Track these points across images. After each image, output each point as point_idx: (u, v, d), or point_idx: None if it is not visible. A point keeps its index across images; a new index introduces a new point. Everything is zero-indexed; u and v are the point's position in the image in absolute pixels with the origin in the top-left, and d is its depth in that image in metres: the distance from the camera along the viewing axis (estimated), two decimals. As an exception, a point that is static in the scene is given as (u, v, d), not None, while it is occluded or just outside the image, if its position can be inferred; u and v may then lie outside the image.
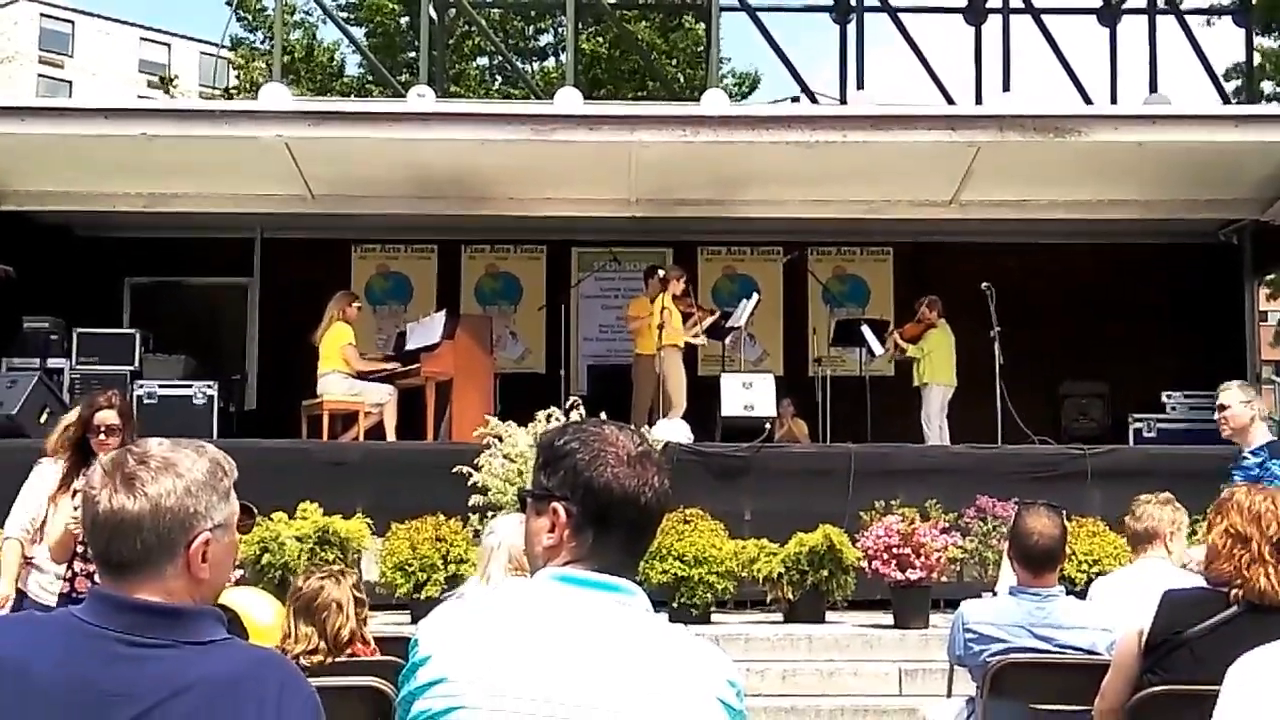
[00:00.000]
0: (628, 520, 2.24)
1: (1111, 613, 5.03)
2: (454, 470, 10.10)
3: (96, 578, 2.22)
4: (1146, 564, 5.96)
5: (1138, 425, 13.61)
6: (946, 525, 10.02)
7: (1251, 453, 7.11)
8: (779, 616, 9.95)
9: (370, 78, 27.67)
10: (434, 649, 2.18)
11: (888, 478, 10.81)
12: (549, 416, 10.00)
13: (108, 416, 5.94)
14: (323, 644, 4.71)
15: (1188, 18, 16.96)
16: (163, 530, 2.13)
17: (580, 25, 22.65)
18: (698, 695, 2.15)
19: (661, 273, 13.06)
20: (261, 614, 5.47)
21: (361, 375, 12.22)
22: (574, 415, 9.49)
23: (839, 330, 14.20)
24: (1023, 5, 16.79)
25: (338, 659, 4.72)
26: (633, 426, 2.38)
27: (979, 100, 16.09)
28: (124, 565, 2.13)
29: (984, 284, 12.69)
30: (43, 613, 2.25)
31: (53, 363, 12.97)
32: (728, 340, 13.65)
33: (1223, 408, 7.24)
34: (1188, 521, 6.01)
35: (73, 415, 6.39)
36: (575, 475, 2.24)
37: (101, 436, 5.87)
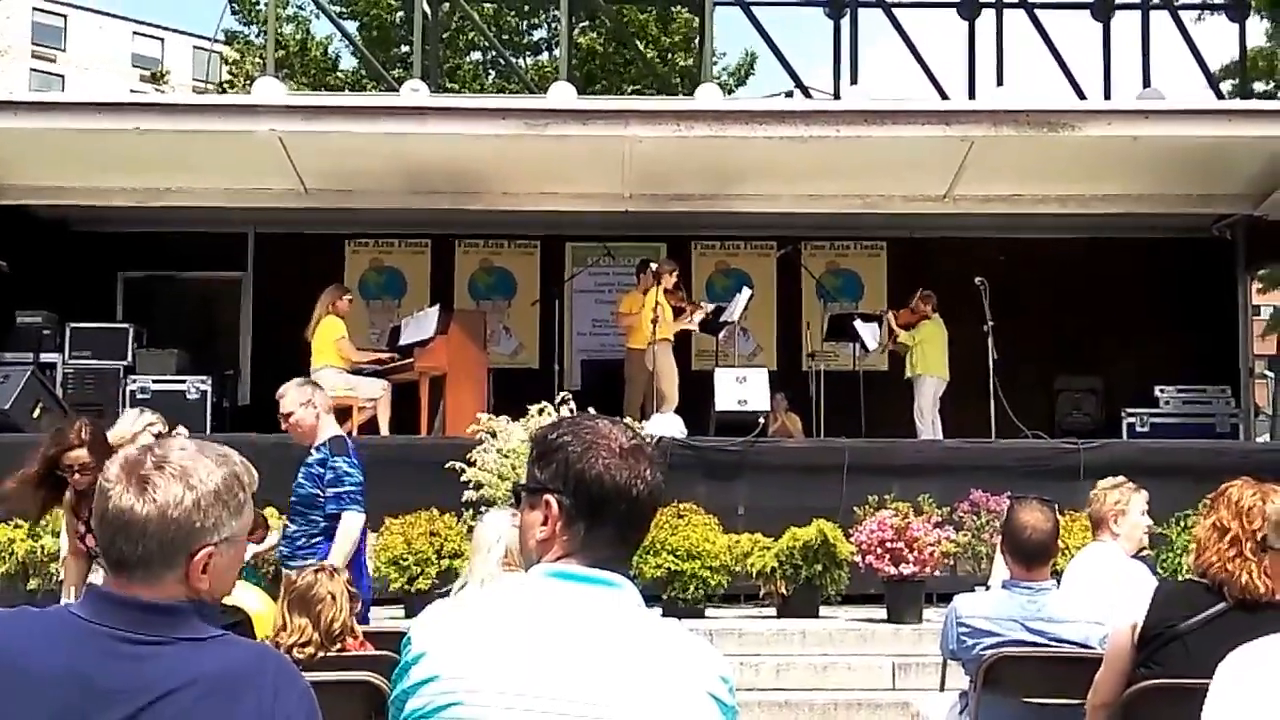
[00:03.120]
0: (619, 513, 2.24)
1: (1093, 605, 5.06)
2: (447, 465, 10.11)
3: None
4: (1093, 550, 6.03)
5: (1131, 420, 13.65)
6: (940, 520, 10.05)
7: (315, 449, 6.67)
8: (772, 611, 9.97)
9: (365, 72, 27.61)
10: (427, 647, 2.18)
11: (881, 472, 10.83)
12: (541, 411, 10.01)
13: (80, 456, 5.56)
14: (315, 636, 4.74)
15: (1181, 13, 16.97)
16: (166, 539, 2.13)
17: (575, 20, 22.64)
18: (689, 690, 2.16)
19: (653, 266, 13.06)
20: (250, 602, 5.48)
21: (356, 368, 12.22)
22: (564, 410, 9.50)
23: (832, 325, 14.22)
24: (1016, 0, 16.79)
25: (328, 652, 4.74)
26: (626, 420, 2.39)
27: (973, 95, 16.09)
28: (124, 563, 2.14)
29: (977, 279, 12.71)
30: (38, 609, 2.25)
31: (46, 357, 12.95)
32: (721, 335, 13.64)
33: (286, 417, 6.69)
34: (1141, 498, 6.00)
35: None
36: (567, 468, 2.25)
37: (77, 476, 5.50)
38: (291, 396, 6.69)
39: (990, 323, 12.60)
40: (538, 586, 2.23)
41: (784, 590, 9.81)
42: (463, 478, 9.99)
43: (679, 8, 25.11)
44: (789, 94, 18.67)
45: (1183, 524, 9.48)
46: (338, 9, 26.70)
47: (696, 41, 25.84)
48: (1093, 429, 13.42)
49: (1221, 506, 4.11)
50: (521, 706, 2.10)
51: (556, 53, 26.64)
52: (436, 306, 12.92)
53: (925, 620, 9.50)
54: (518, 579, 2.32)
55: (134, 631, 2.09)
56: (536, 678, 2.11)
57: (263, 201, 13.42)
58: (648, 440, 2.35)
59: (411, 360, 12.32)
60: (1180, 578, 7.96)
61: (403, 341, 12.68)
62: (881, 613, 9.79)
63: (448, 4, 19.67)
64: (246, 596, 5.49)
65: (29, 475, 5.70)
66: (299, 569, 5.12)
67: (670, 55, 27.20)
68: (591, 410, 4.27)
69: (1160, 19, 16.41)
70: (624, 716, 2.10)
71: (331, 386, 11.94)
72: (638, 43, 25.55)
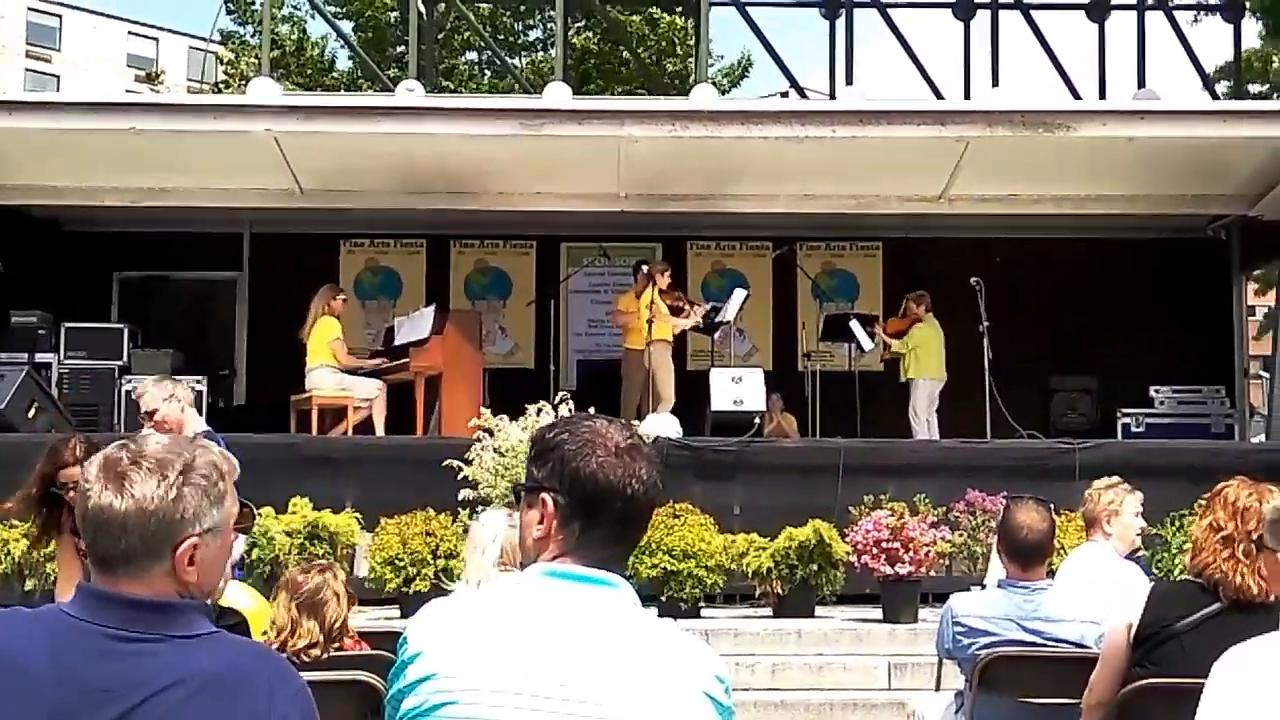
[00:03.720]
0: (615, 512, 2.25)
1: (1088, 604, 5.06)
2: (443, 465, 10.10)
3: None
4: (1085, 550, 6.05)
5: (1126, 420, 13.66)
6: (935, 520, 10.04)
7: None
8: (768, 611, 9.96)
9: (360, 72, 27.61)
10: (423, 646, 2.19)
11: (877, 472, 10.83)
12: (539, 410, 10.01)
13: (75, 473, 5.08)
14: (321, 638, 4.74)
15: (1176, 14, 16.98)
16: (148, 533, 2.12)
17: (570, 20, 22.62)
18: (685, 690, 2.16)
19: (646, 267, 13.07)
20: (242, 600, 5.46)
21: (351, 370, 12.22)
22: (563, 410, 9.50)
23: (828, 325, 14.22)
24: (1012, 1, 16.80)
25: (328, 653, 4.74)
26: (623, 420, 2.39)
27: (968, 95, 16.08)
28: (109, 561, 2.13)
29: (973, 279, 12.71)
30: (30, 610, 2.25)
31: (41, 357, 12.93)
32: (717, 335, 13.65)
33: (150, 415, 6.47)
34: (1135, 500, 6.01)
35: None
36: (563, 466, 2.25)
37: (72, 494, 5.35)
38: (152, 394, 6.53)
39: (985, 323, 12.59)
40: (534, 586, 2.23)
41: (780, 590, 9.81)
42: (459, 477, 9.99)
43: (663, 13, 25.15)
44: (784, 94, 18.67)
45: (1178, 524, 9.48)
46: (333, 9, 26.71)
47: (683, 45, 25.92)
48: (1088, 429, 13.44)
49: (1218, 507, 4.12)
50: (516, 705, 2.10)
51: (552, 53, 26.63)
52: (432, 306, 12.91)
53: (921, 620, 9.50)
54: (514, 578, 2.32)
55: (126, 629, 2.09)
56: (532, 677, 2.12)
57: (258, 201, 13.42)
58: (645, 439, 2.35)
59: (407, 360, 12.32)
60: (1175, 578, 7.97)
61: (398, 341, 12.68)
62: (877, 613, 9.79)
63: (443, 4, 19.65)
64: (238, 596, 5.47)
65: (27, 495, 5.63)
66: (302, 568, 5.10)
67: (660, 60, 27.17)
68: (592, 410, 4.24)
69: (1155, 20, 16.42)
70: (620, 716, 2.10)
71: (327, 386, 12.00)
72: (630, 43, 25.55)
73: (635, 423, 10.24)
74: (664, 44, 27.34)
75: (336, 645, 4.80)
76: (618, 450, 2.26)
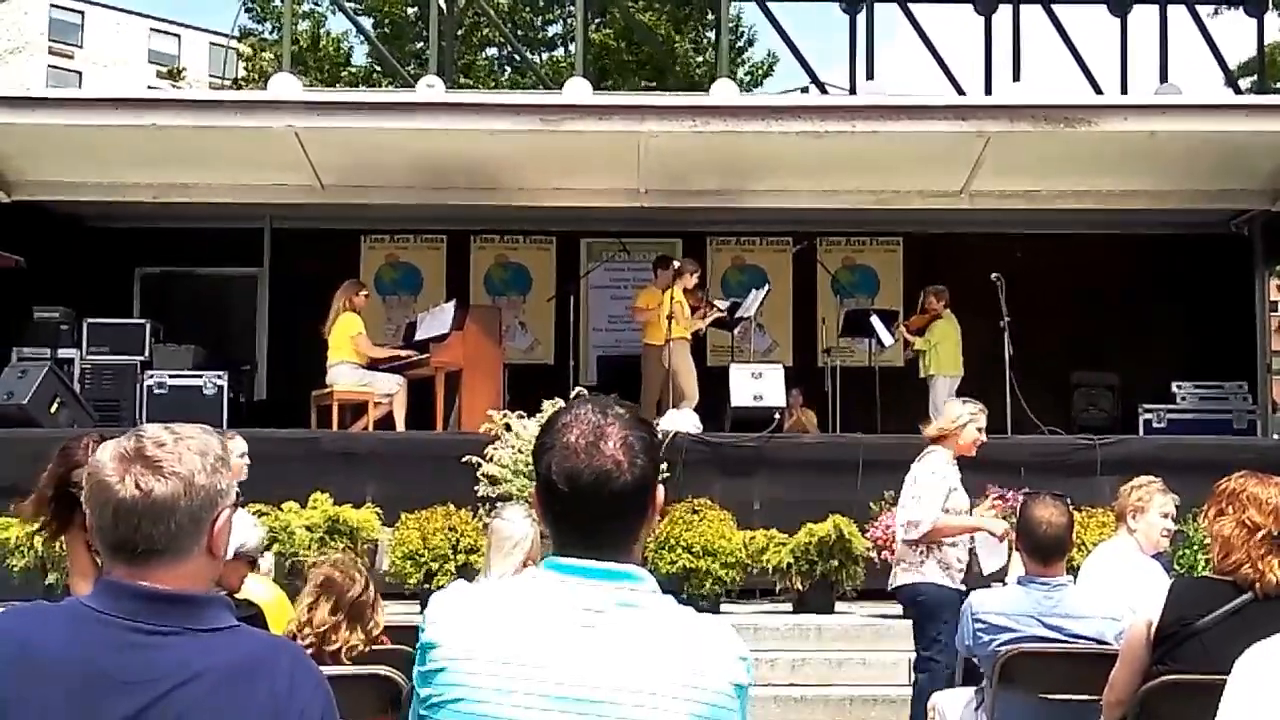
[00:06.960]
0: (572, 507, 2.20)
1: (1108, 600, 5.05)
2: (463, 460, 10.12)
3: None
4: (1107, 546, 6.04)
5: (1147, 416, 13.60)
6: (956, 516, 10.00)
7: None
8: (788, 606, 9.97)
9: (377, 68, 27.66)
10: (438, 637, 2.20)
11: (897, 468, 10.71)
12: (556, 405, 10.00)
13: None
14: (362, 640, 4.72)
15: (1199, 7, 16.90)
16: (195, 509, 2.13)
17: (589, 16, 22.62)
18: (708, 674, 2.14)
19: (676, 264, 13.03)
20: (259, 592, 5.48)
21: (372, 364, 12.24)
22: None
23: (848, 320, 14.19)
24: (1033, -5, 16.74)
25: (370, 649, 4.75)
26: (618, 408, 2.28)
27: (989, 90, 16.03)
28: (151, 551, 2.11)
29: (994, 274, 12.68)
30: (52, 603, 2.24)
31: (63, 353, 13.01)
32: (737, 331, 13.64)
33: None
34: (1164, 500, 5.98)
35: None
36: (539, 459, 2.24)
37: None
38: None
39: (1006, 319, 12.56)
40: (548, 577, 2.22)
41: (800, 586, 9.81)
42: (479, 472, 10.00)
43: (694, 10, 25.11)
44: (805, 90, 18.64)
45: (1200, 521, 9.43)
46: (352, 5, 26.76)
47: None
48: (1109, 425, 13.37)
49: (1249, 505, 4.09)
50: (527, 690, 2.10)
51: (571, 48, 26.64)
52: (452, 302, 12.93)
53: (941, 617, 9.48)
54: (530, 569, 2.31)
55: (147, 622, 2.09)
56: (544, 670, 2.12)
57: (279, 197, 13.46)
58: (632, 426, 2.25)
59: (427, 356, 12.33)
60: (1196, 574, 7.94)
61: (418, 337, 12.69)
62: (897, 609, 9.73)
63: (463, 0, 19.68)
64: (256, 587, 5.48)
65: (42, 496, 5.61)
66: (341, 569, 5.00)
67: (691, 53, 27.19)
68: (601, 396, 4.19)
69: (1178, 14, 16.34)
70: (635, 705, 2.09)
71: (347, 382, 12.03)
72: (651, 35, 25.54)
73: (655, 420, 10.23)
74: (700, 45, 27.37)
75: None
76: (577, 449, 2.19)
